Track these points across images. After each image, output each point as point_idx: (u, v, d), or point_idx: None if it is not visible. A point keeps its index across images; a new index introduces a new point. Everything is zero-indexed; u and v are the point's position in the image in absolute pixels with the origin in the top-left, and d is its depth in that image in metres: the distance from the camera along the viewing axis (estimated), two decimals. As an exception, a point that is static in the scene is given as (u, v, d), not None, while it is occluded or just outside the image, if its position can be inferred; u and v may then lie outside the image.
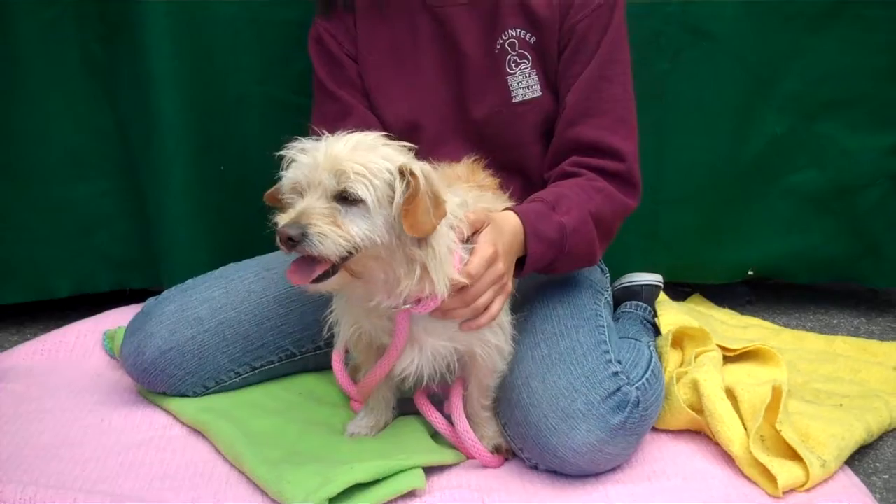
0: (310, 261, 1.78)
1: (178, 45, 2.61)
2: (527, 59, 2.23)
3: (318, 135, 2.21)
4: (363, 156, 1.78)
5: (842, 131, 2.82)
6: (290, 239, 1.72)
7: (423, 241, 1.81)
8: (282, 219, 1.76)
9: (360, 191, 1.75)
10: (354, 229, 1.76)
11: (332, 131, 2.17)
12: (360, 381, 2.16)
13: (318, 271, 1.78)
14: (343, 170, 1.75)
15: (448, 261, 1.87)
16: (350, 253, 1.77)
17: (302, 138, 1.84)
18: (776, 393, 2.14)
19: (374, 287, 1.87)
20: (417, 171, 1.79)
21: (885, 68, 2.76)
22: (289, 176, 1.80)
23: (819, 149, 2.84)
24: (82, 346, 2.66)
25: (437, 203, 1.80)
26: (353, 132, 1.83)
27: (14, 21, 2.60)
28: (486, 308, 1.95)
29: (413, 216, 1.76)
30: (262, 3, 2.63)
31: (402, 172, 1.79)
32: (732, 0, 2.68)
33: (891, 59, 2.75)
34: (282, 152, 1.84)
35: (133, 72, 2.65)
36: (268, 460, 2.02)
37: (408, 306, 1.89)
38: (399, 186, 1.78)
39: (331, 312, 2.06)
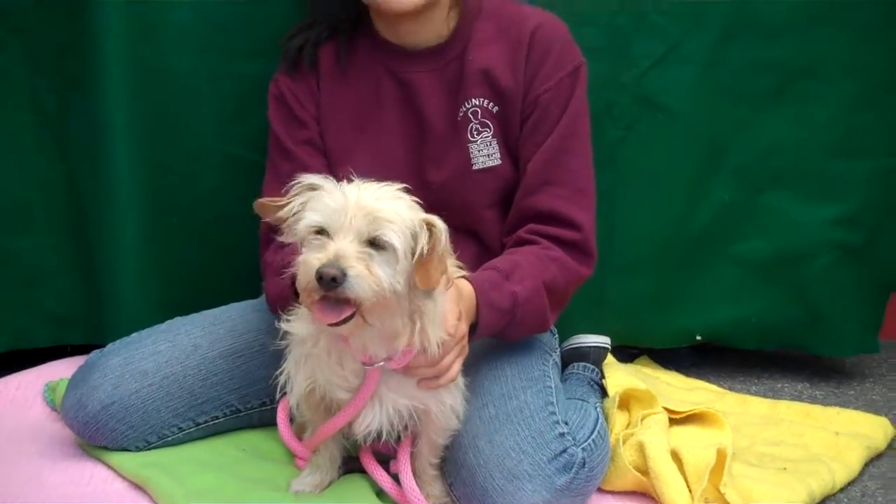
0: (334, 302, 1.76)
1: (133, 98, 2.58)
2: (488, 127, 2.25)
3: (273, 194, 2.21)
4: (394, 204, 1.79)
5: (788, 202, 2.87)
6: (333, 279, 1.70)
7: (429, 295, 1.83)
8: (313, 259, 1.73)
9: (393, 238, 1.76)
10: (382, 275, 1.75)
11: (284, 192, 2.17)
12: (310, 435, 2.14)
13: (347, 312, 1.76)
14: (377, 216, 1.75)
15: (444, 318, 1.89)
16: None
17: (308, 176, 1.84)
18: (721, 455, 2.16)
19: (372, 338, 1.86)
20: (440, 226, 1.81)
21: (829, 143, 2.82)
22: (314, 218, 1.78)
23: (766, 219, 2.89)
24: (23, 396, 2.60)
25: (442, 259, 1.82)
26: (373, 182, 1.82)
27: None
28: (447, 368, 1.96)
29: (426, 269, 1.79)
30: (220, 57, 2.61)
31: (427, 225, 1.81)
32: (684, 74, 2.73)
33: (834, 135, 2.82)
34: (296, 193, 1.83)
35: (85, 123, 2.60)
36: (209, 517, 1.99)
37: (381, 363, 1.89)
38: (423, 239, 1.79)
39: (280, 373, 2.04)
